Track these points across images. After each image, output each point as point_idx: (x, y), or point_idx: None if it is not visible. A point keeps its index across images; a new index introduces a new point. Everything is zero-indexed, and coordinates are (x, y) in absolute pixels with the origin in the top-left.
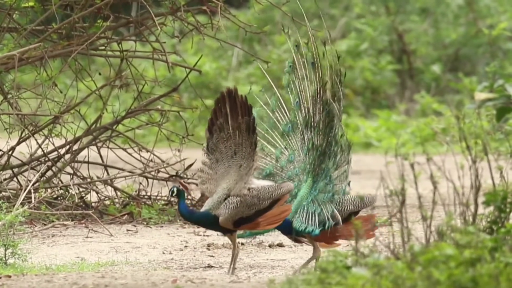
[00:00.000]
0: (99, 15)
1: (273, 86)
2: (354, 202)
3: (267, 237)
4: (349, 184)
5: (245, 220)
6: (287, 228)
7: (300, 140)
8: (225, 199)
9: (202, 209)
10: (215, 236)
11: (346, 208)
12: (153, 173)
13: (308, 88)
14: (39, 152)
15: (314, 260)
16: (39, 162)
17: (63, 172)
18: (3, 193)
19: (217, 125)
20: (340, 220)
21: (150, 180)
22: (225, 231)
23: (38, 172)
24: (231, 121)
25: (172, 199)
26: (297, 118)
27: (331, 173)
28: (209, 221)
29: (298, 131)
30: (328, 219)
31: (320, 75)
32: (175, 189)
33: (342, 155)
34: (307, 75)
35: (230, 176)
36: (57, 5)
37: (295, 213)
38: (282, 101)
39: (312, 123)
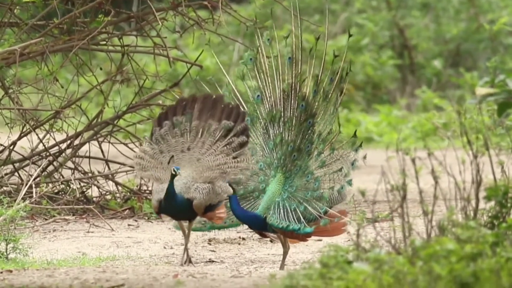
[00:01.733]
0: (100, 10)
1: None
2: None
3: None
4: (349, 183)
5: (211, 207)
6: (257, 224)
7: (262, 134)
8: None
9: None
10: (216, 231)
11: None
12: None
13: (277, 82)
14: (40, 147)
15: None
16: (40, 157)
17: (64, 167)
18: (4, 188)
19: (171, 121)
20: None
21: None
22: (190, 216)
23: (39, 167)
24: (196, 121)
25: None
26: (258, 112)
27: (314, 170)
28: (183, 204)
29: (260, 125)
30: (319, 217)
31: (299, 71)
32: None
33: (333, 153)
34: (277, 70)
35: (189, 167)
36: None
37: (267, 209)
38: (237, 93)
39: (282, 118)
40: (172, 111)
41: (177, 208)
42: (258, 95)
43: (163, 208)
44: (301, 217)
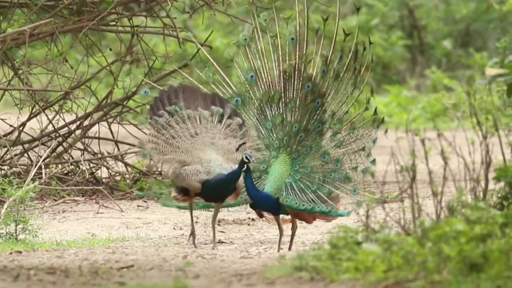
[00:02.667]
0: None
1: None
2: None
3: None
4: (373, 163)
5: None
6: (268, 203)
7: (256, 115)
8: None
9: (207, 177)
10: (225, 212)
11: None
12: None
13: (276, 63)
14: (50, 127)
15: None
16: (49, 138)
17: (74, 147)
18: (14, 169)
19: (165, 111)
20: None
21: None
22: (227, 196)
23: (48, 147)
24: (188, 110)
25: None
26: (251, 92)
27: (330, 150)
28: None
29: (253, 106)
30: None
31: (304, 52)
32: (251, 158)
33: (352, 132)
34: (276, 51)
35: (209, 150)
36: None
37: (278, 190)
38: (223, 75)
39: (282, 99)
40: (160, 102)
41: (227, 190)
42: (252, 76)
43: (206, 189)
44: (325, 198)
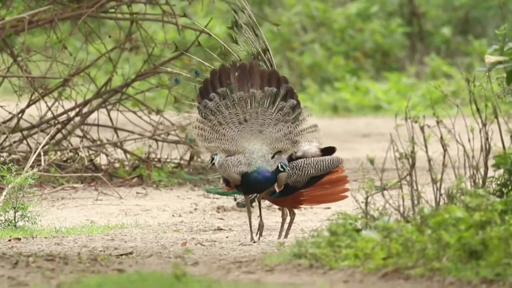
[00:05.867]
0: None
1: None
2: (316, 166)
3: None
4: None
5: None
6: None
7: None
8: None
9: (247, 169)
10: (224, 199)
11: (306, 172)
12: (163, 135)
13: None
14: (49, 114)
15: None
16: (49, 125)
17: (73, 134)
18: (13, 156)
19: (217, 93)
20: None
21: (159, 143)
22: (268, 189)
23: (47, 134)
24: (240, 92)
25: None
26: None
27: None
28: (272, 178)
29: None
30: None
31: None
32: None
33: None
34: None
35: (255, 139)
36: None
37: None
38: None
39: None
40: (211, 83)
41: (266, 183)
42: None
43: (244, 182)
44: None
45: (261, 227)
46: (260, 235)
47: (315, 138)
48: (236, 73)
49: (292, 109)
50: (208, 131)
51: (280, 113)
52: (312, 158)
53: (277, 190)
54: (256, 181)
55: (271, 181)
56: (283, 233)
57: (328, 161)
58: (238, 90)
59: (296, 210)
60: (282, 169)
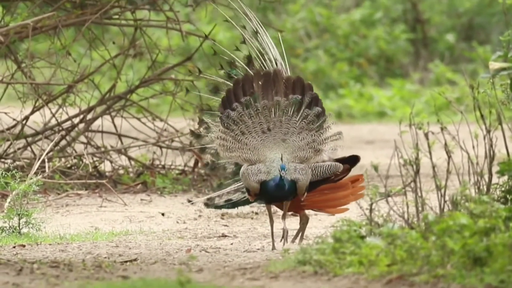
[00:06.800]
0: None
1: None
2: (314, 171)
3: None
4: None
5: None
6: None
7: None
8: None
9: (266, 177)
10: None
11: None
12: (167, 142)
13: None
14: (53, 121)
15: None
16: (53, 132)
17: (77, 141)
18: (17, 163)
19: (240, 103)
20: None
21: (164, 150)
22: (289, 198)
23: (52, 141)
24: (264, 101)
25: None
26: None
27: None
28: (290, 187)
29: None
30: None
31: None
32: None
33: None
34: None
35: (277, 148)
36: None
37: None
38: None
39: None
40: (233, 93)
41: (284, 192)
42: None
43: (263, 190)
44: None
45: (285, 232)
46: (286, 240)
47: (339, 146)
48: (260, 82)
49: (317, 117)
50: (230, 141)
51: (305, 122)
52: (312, 164)
53: (301, 199)
54: (272, 189)
55: (285, 188)
56: (297, 239)
57: (326, 167)
58: (262, 98)
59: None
60: (282, 172)
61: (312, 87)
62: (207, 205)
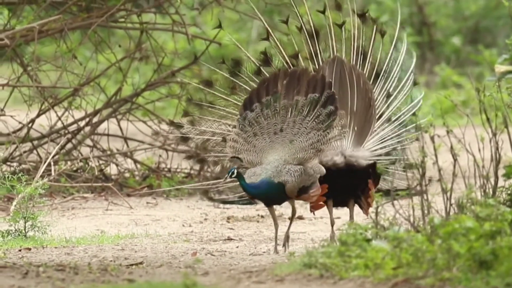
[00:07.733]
0: None
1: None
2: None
3: (287, 210)
4: None
5: (304, 189)
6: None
7: None
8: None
9: (256, 180)
10: (235, 209)
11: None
12: (173, 145)
13: None
14: (59, 124)
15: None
16: (59, 135)
17: (83, 144)
18: (23, 166)
19: (260, 103)
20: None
21: (170, 153)
22: (283, 200)
23: (58, 144)
24: (284, 100)
25: (230, 179)
26: None
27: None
28: (274, 189)
29: None
30: None
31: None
32: (234, 171)
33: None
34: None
35: (281, 150)
36: None
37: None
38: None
39: None
40: (256, 93)
41: (268, 194)
42: None
43: (255, 193)
44: None
45: (286, 238)
46: (287, 247)
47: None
48: (285, 80)
49: (328, 116)
50: (240, 143)
51: (316, 121)
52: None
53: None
54: (251, 191)
55: (263, 190)
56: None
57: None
58: (283, 98)
59: (306, 220)
60: (231, 174)
61: (331, 85)
62: (211, 199)
